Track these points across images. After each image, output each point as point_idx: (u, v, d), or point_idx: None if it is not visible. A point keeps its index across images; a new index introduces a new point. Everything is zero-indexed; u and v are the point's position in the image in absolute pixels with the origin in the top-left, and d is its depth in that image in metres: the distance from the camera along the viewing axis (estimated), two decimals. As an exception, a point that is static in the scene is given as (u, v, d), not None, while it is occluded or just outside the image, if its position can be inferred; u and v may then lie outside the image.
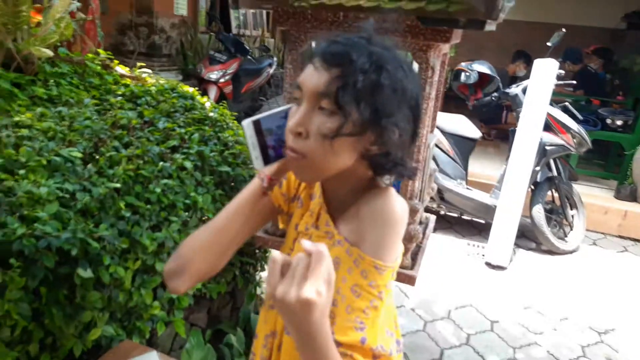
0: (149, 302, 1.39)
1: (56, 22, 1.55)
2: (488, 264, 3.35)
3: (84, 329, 1.23)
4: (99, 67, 1.79)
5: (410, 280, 1.57)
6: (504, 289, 3.07)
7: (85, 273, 1.16)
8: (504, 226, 3.37)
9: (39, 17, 1.64)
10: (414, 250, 1.70)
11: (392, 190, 0.74)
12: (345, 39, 0.71)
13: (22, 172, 1.17)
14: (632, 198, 4.23)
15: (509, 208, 3.38)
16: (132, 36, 6.31)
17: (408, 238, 1.56)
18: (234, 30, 8.51)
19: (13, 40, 1.53)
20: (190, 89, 2.04)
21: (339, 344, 0.65)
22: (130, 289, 1.33)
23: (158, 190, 1.40)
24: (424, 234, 1.89)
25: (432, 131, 1.84)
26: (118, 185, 1.31)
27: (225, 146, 1.75)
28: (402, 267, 1.61)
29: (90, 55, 1.82)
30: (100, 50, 1.90)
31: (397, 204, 0.71)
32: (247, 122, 0.78)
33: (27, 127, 1.32)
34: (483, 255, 3.44)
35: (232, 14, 8.51)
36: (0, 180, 1.12)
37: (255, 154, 0.79)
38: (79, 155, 1.30)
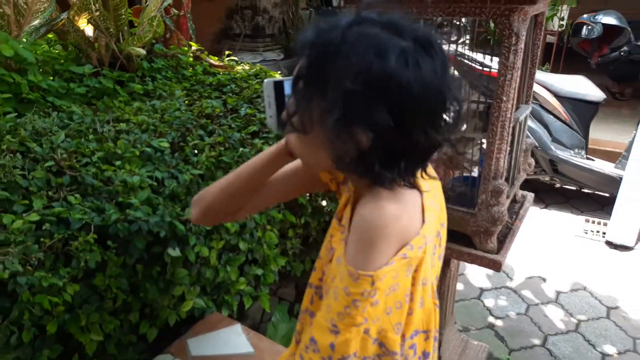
0: (235, 278, 1.50)
1: (149, 21, 1.70)
2: (609, 243, 2.98)
3: (177, 302, 1.38)
4: (190, 59, 1.92)
5: (495, 265, 1.47)
6: (627, 272, 2.72)
7: (174, 252, 1.29)
8: (631, 200, 2.96)
9: (137, 19, 1.80)
10: (502, 233, 1.58)
11: (379, 195, 0.66)
12: (329, 23, 0.64)
13: (119, 162, 1.32)
14: None
15: (637, 179, 2.94)
16: (237, 19, 6.62)
17: (492, 221, 1.45)
18: (335, 4, 8.45)
19: (116, 41, 1.72)
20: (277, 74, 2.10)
21: (314, 340, 0.66)
22: (216, 266, 1.45)
23: (238, 175, 1.48)
24: (518, 213, 1.75)
25: (526, 102, 1.67)
26: (201, 171, 1.42)
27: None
28: (486, 250, 1.51)
29: (183, 48, 1.96)
30: (192, 43, 2.03)
31: (374, 213, 0.64)
32: (267, 81, 0.79)
33: (125, 121, 1.48)
34: (604, 234, 3.07)
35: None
36: (101, 170, 1.28)
37: (269, 112, 0.80)
38: (168, 145, 1.42)
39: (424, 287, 0.73)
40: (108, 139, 1.38)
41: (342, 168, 0.71)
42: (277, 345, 1.41)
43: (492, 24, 1.29)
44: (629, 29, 3.43)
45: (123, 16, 1.66)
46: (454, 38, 1.74)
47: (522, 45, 1.31)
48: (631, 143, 3.19)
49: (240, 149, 1.54)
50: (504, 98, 1.34)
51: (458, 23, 1.70)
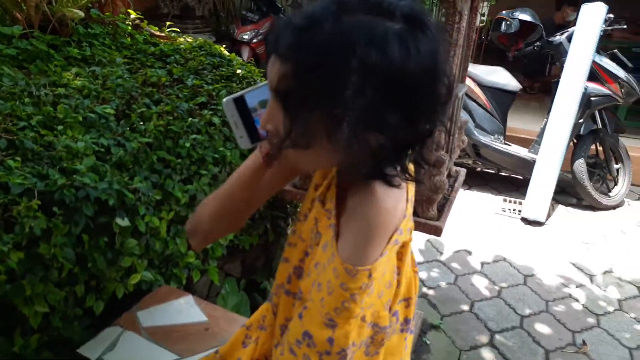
0: (184, 250, 1.47)
1: (86, -17, 1.60)
2: (524, 220, 3.29)
3: (125, 274, 1.33)
4: (129, 28, 1.83)
5: (436, 231, 1.58)
6: (541, 245, 3.02)
7: (123, 222, 1.24)
8: (543, 180, 3.28)
9: (70, -21, 1.68)
10: (440, 202, 1.70)
11: (376, 190, 0.63)
12: (306, 18, 0.57)
13: (60, 127, 1.24)
14: (686, 151, 3.98)
15: (549, 162, 3.27)
16: (165, -1, 6.33)
17: (433, 189, 1.55)
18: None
19: (48, 3, 1.59)
20: (223, 49, 2.06)
21: (309, 334, 0.64)
22: (165, 238, 1.42)
23: (188, 145, 1.45)
24: (452, 186, 1.88)
25: (462, 81, 1.80)
26: (150, 140, 1.37)
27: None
28: (427, 218, 1.62)
29: (121, 15, 1.86)
30: (130, 11, 1.93)
31: (373, 210, 0.62)
32: (226, 100, 0.73)
33: (64, 86, 1.39)
34: (519, 212, 3.38)
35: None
36: (40, 135, 1.20)
37: (239, 133, 0.74)
38: (112, 112, 1.36)
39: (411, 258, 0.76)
40: (46, 103, 1.29)
41: (349, 172, 0.66)
42: (230, 313, 1.42)
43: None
44: (541, 25, 3.76)
45: (56, -25, 1.54)
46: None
47: (465, 24, 1.41)
48: (542, 130, 3.53)
49: (189, 119, 1.51)
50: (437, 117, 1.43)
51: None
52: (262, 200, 0.91)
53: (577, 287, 2.61)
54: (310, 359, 0.64)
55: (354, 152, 0.57)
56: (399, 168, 0.64)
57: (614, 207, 3.54)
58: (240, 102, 0.73)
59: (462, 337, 2.18)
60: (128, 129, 1.37)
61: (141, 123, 1.41)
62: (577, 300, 2.49)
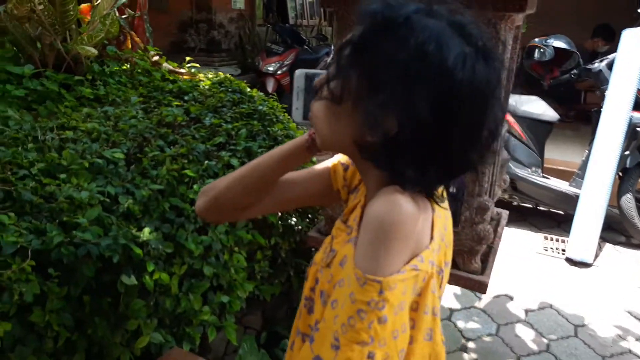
0: (198, 307, 1.33)
1: (102, 20, 1.53)
2: (569, 260, 3.03)
3: (132, 337, 1.19)
4: (147, 64, 1.75)
5: (481, 287, 1.39)
6: (589, 289, 2.75)
7: (129, 280, 1.11)
8: (588, 217, 3.02)
9: (87, 17, 1.62)
10: (484, 252, 1.51)
11: (394, 191, 0.59)
12: (398, 2, 0.60)
13: (63, 176, 1.13)
14: None
15: (594, 197, 3.02)
16: (192, 33, 6.44)
17: (476, 239, 1.38)
18: (291, 21, 8.46)
19: (62, 40, 1.53)
20: (244, 84, 1.97)
21: (319, 358, 0.58)
22: (177, 295, 1.28)
23: (203, 190, 1.33)
24: (495, 232, 1.69)
25: (504, 116, 1.63)
26: (162, 186, 1.25)
27: (274, 141, 1.66)
28: (470, 271, 1.43)
29: (139, 52, 1.79)
30: (150, 47, 1.87)
31: (389, 208, 0.58)
32: (299, 72, 0.78)
33: (72, 128, 1.30)
34: (563, 251, 3.12)
35: (289, 4, 8.46)
36: (42, 184, 1.09)
37: (297, 104, 0.79)
38: (122, 156, 1.25)
39: (434, 318, 0.65)
40: (51, 149, 1.19)
41: (361, 151, 0.63)
42: (248, 383, 1.25)
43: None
44: (577, 53, 3.58)
45: (71, 12, 1.47)
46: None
47: (509, 55, 1.26)
48: (585, 163, 3.29)
49: (206, 161, 1.39)
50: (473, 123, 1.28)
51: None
52: (280, 200, 0.85)
53: (637, 340, 2.33)
54: None
55: (371, 123, 0.57)
56: (420, 177, 0.59)
57: (667, 246, 3.24)
58: (310, 79, 0.77)
59: (509, 400, 1.93)
60: (139, 174, 1.26)
61: (153, 168, 1.29)
62: (638, 357, 2.21)
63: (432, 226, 0.64)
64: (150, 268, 1.15)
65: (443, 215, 0.70)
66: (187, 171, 1.32)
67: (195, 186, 1.33)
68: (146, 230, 1.17)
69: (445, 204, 0.72)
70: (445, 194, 0.72)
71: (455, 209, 1.45)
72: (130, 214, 1.18)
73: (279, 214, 1.59)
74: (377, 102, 0.56)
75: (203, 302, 1.37)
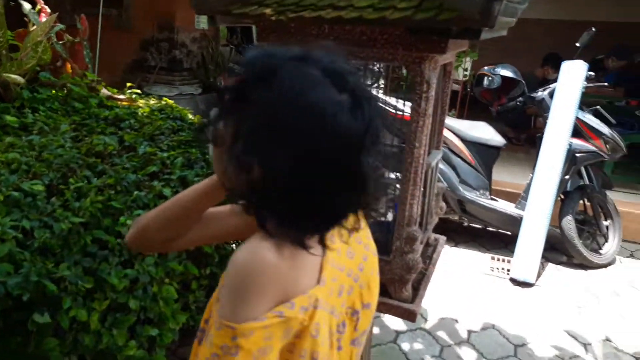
0: (122, 342, 1.29)
1: (34, 47, 1.50)
2: (513, 280, 3.12)
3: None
4: (84, 90, 1.72)
5: (410, 316, 1.41)
6: (531, 309, 2.84)
7: (42, 318, 1.08)
8: (531, 238, 3.14)
9: (20, 43, 1.59)
10: (416, 279, 1.54)
11: (259, 240, 0.61)
12: (276, 50, 0.63)
13: (-26, 210, 1.09)
14: (676, 205, 3.89)
15: (536, 219, 3.15)
16: (153, 51, 6.36)
17: (406, 269, 1.40)
18: (255, 42, 8.48)
19: (-10, 66, 1.49)
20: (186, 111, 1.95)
21: None
22: (99, 330, 1.24)
23: (130, 222, 1.30)
24: (431, 258, 1.73)
25: (437, 147, 1.69)
26: (83, 219, 1.22)
27: (212, 169, 1.65)
28: (401, 300, 1.46)
29: (76, 78, 1.76)
30: (88, 73, 1.84)
31: (248, 258, 0.59)
32: None
33: (-9, 159, 1.25)
34: (508, 271, 3.21)
35: (253, 26, 8.49)
36: (-51, 220, 1.05)
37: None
38: (42, 188, 1.22)
39: None
40: (-37, 181, 1.15)
41: (231, 193, 0.68)
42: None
43: (404, 70, 1.30)
44: (523, 81, 3.75)
45: (1, 38, 1.44)
46: (368, 82, 1.74)
47: (433, 93, 1.31)
48: (529, 186, 3.43)
49: (135, 192, 1.37)
50: (417, 144, 1.32)
51: (373, 68, 1.71)
52: (205, 234, 0.86)
53: (571, 358, 2.41)
54: None
55: (235, 167, 0.59)
56: (284, 227, 0.60)
57: (605, 266, 3.39)
58: None
59: None
60: (60, 206, 1.23)
61: (76, 199, 1.26)
62: (573, 376, 2.29)
63: (320, 269, 0.65)
64: (67, 305, 1.11)
65: (344, 257, 0.70)
66: (113, 202, 1.30)
67: (121, 218, 1.30)
68: (63, 265, 1.14)
69: (357, 246, 0.73)
70: (359, 232, 0.72)
71: (386, 239, 1.48)
72: (46, 249, 1.15)
73: (214, 244, 1.58)
74: (239, 149, 0.58)
75: (130, 337, 1.34)
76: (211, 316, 0.71)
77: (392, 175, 1.61)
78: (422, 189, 1.44)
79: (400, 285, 1.45)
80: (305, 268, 0.63)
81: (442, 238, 1.90)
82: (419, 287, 1.54)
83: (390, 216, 1.72)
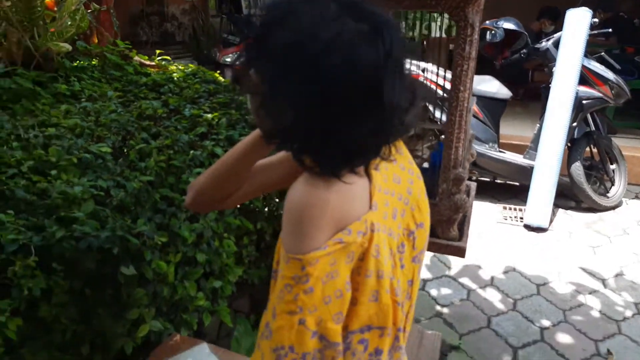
0: (193, 293, 1.36)
1: (71, 15, 1.50)
2: (527, 227, 3.24)
3: (132, 326, 1.22)
4: (118, 58, 1.73)
5: (459, 252, 1.50)
6: (548, 251, 2.97)
7: (128, 271, 1.13)
8: (543, 186, 3.24)
9: (53, 12, 1.58)
10: (460, 221, 1.62)
11: (304, 177, 0.64)
12: None
13: (53, 172, 1.13)
14: (676, 147, 4.01)
15: (546, 167, 3.24)
16: (144, 26, 6.26)
17: (454, 209, 1.48)
18: (245, 11, 8.34)
19: (30, 37, 1.49)
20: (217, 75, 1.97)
21: (267, 325, 0.63)
22: (174, 282, 1.31)
23: (192, 179, 1.35)
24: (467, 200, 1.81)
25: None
26: (151, 178, 1.27)
27: (253, 128, 1.69)
28: (449, 239, 1.54)
29: (108, 46, 1.76)
30: (118, 41, 1.84)
31: (298, 195, 0.62)
32: None
33: (54, 125, 1.28)
34: (521, 219, 3.33)
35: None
36: (33, 182, 1.09)
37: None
38: (109, 150, 1.26)
39: (379, 281, 0.68)
40: (36, 146, 1.18)
41: (267, 139, 0.69)
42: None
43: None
44: (526, 33, 3.77)
45: (39, 8, 1.44)
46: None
47: (477, 36, 1.35)
48: (536, 136, 3.51)
49: (191, 151, 1.41)
50: (462, 88, 1.38)
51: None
52: (256, 186, 0.89)
53: (590, 293, 2.55)
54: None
55: (264, 112, 0.62)
56: (320, 162, 0.62)
57: (613, 208, 3.52)
58: None
59: (485, 356, 2.08)
60: (127, 167, 1.27)
61: (140, 160, 1.30)
62: (593, 308, 2.43)
63: (370, 197, 0.68)
64: (148, 257, 1.17)
65: (391, 183, 0.73)
66: (174, 162, 1.34)
67: (183, 176, 1.35)
68: (140, 221, 1.19)
69: (402, 172, 0.76)
70: (396, 151, 0.73)
71: (432, 183, 1.55)
72: (123, 206, 1.20)
73: (263, 199, 1.64)
74: (267, 91, 0.60)
75: (197, 289, 1.41)
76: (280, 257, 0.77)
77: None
78: (465, 133, 1.50)
79: (448, 225, 1.53)
80: (355, 197, 0.66)
81: (473, 184, 1.98)
82: (462, 227, 1.63)
83: (426, 164, 1.78)
